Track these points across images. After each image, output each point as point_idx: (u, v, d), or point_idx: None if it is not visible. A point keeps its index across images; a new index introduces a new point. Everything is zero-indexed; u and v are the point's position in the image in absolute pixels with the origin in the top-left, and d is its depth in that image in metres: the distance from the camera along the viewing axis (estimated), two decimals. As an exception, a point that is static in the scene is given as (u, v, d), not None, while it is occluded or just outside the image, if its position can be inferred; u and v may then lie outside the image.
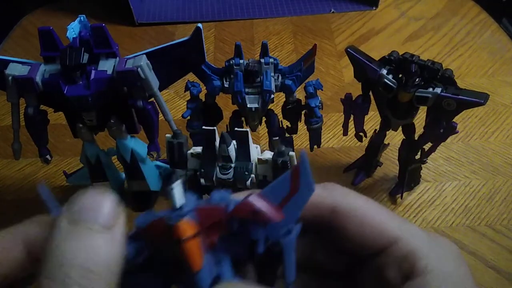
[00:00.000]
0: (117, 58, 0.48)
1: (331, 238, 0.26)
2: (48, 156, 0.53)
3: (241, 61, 0.51)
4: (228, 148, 0.41)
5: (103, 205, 0.21)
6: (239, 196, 0.23)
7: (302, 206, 0.22)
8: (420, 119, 0.54)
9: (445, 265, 0.23)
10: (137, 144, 0.55)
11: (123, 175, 0.60)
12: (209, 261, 0.22)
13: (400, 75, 0.50)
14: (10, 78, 0.45)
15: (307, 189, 0.22)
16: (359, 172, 0.64)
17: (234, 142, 0.42)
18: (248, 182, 0.42)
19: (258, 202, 0.22)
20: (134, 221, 0.23)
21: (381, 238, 0.24)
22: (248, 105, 0.52)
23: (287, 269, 0.23)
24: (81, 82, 0.46)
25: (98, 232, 0.21)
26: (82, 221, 0.21)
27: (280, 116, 0.57)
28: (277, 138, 0.57)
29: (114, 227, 0.21)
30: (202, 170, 0.43)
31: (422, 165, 0.60)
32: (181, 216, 0.21)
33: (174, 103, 0.78)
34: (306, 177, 0.22)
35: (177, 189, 0.22)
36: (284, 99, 0.55)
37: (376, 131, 0.59)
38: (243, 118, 0.56)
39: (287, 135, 0.58)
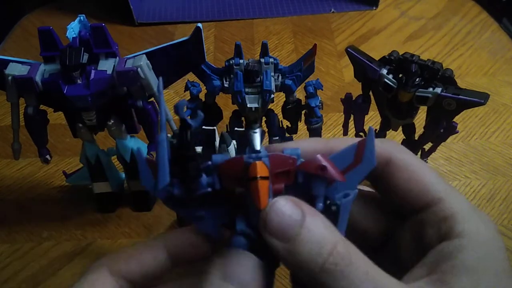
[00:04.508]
0: (117, 58, 0.48)
1: (379, 190, 0.27)
2: (48, 156, 0.53)
3: (241, 61, 0.51)
4: (228, 148, 0.41)
5: (248, 269, 0.24)
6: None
7: (362, 177, 0.25)
8: (420, 119, 0.54)
9: (482, 234, 0.24)
10: (137, 144, 0.55)
11: (123, 175, 0.60)
12: None
13: (400, 75, 0.49)
14: (9, 78, 0.45)
15: (369, 162, 0.25)
16: (359, 172, 0.64)
17: (234, 142, 0.42)
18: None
19: (326, 161, 0.24)
20: (212, 158, 0.25)
21: (425, 196, 0.26)
22: (248, 105, 0.51)
23: (340, 230, 0.25)
24: (80, 82, 0.46)
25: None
26: (231, 280, 0.24)
27: (280, 116, 0.57)
28: (277, 138, 0.57)
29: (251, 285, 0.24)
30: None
31: (422, 165, 0.60)
32: (259, 158, 0.24)
33: (174, 103, 0.78)
34: (370, 151, 0.25)
35: (258, 134, 0.25)
36: (284, 99, 0.55)
37: (376, 131, 0.59)
38: (243, 118, 0.56)
39: (287, 135, 0.58)
